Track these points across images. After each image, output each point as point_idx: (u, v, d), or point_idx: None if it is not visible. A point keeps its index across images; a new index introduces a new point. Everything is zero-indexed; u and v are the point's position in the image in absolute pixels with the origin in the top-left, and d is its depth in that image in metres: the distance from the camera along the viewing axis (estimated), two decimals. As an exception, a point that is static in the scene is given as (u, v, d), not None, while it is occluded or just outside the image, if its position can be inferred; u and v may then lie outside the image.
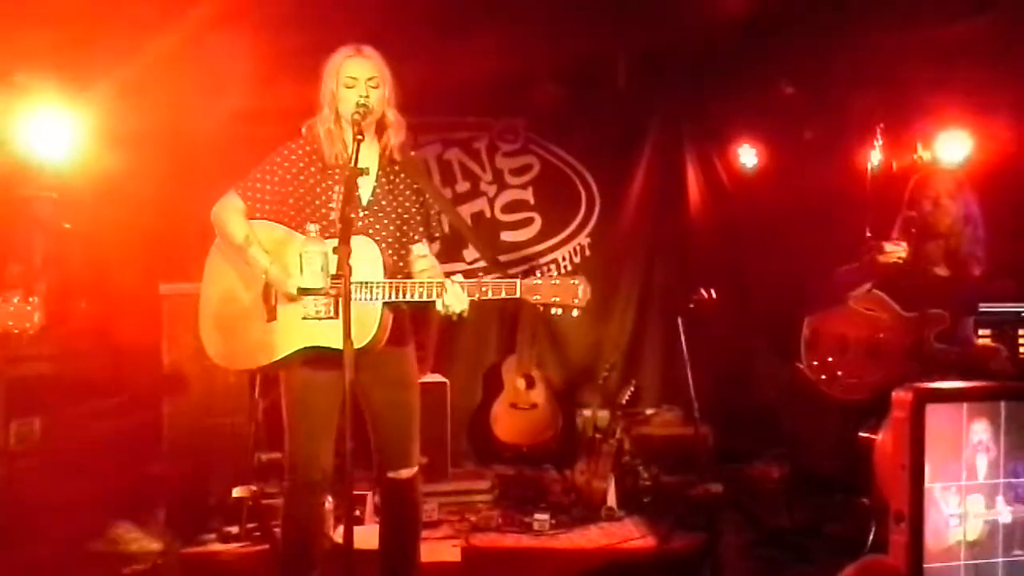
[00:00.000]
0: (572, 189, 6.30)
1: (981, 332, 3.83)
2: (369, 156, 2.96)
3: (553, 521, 4.61)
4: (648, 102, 6.20)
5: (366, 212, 2.97)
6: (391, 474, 3.09)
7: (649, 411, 5.69)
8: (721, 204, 6.29)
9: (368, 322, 2.76)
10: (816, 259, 4.04)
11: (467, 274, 4.29)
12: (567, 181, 6.30)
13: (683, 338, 4.76)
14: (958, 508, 1.42)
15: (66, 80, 4.49)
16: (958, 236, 3.69)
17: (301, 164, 2.99)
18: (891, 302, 3.79)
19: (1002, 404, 1.45)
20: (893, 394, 1.43)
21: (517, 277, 2.77)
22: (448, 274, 2.97)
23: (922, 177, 3.87)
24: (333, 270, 2.63)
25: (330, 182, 2.96)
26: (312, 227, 2.74)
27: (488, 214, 6.21)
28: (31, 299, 3.07)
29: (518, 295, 2.72)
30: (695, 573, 4.02)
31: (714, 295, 4.92)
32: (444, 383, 5.31)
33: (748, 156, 6.01)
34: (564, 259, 6.26)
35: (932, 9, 4.49)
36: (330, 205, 2.93)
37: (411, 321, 3.10)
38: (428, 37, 4.71)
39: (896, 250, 3.63)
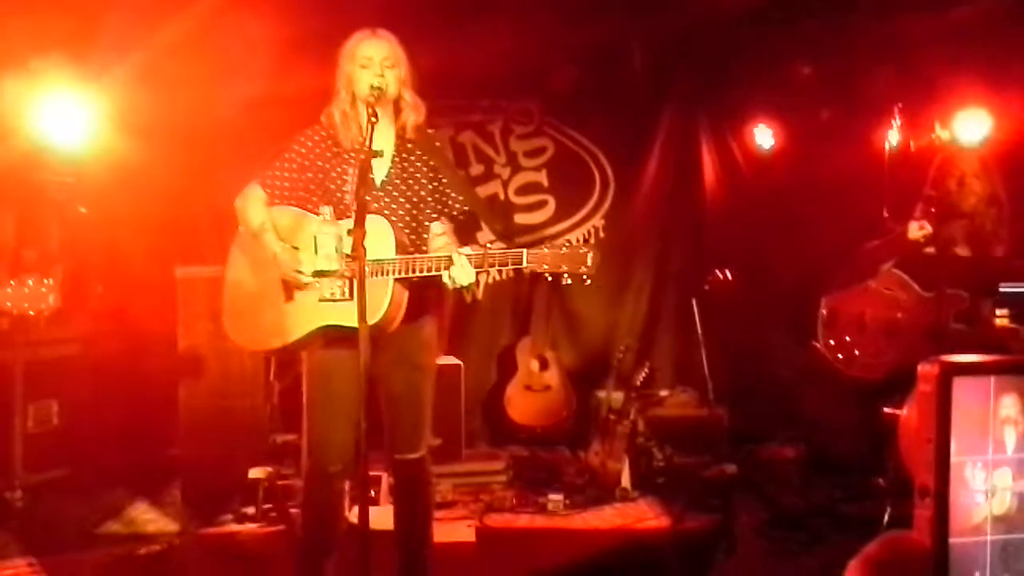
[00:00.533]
0: (586, 171, 6.28)
1: (999, 312, 3.79)
2: (385, 137, 2.95)
3: (567, 502, 4.63)
4: (663, 84, 6.15)
5: (380, 193, 2.97)
6: (399, 456, 3.10)
7: (663, 392, 5.68)
8: (736, 185, 6.25)
9: (379, 298, 2.74)
10: (832, 240, 4.03)
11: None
12: (581, 163, 6.27)
13: (698, 319, 4.76)
14: (985, 484, 1.41)
15: (81, 65, 4.50)
16: (982, 216, 3.66)
17: (318, 149, 3.00)
18: (911, 282, 3.77)
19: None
20: (919, 367, 1.42)
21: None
22: None
23: (947, 157, 3.83)
24: (347, 252, 2.63)
25: (345, 165, 2.96)
26: (326, 209, 2.75)
27: (502, 197, 6.20)
28: (46, 281, 3.10)
29: (524, 264, 2.67)
30: (709, 553, 4.02)
31: (729, 276, 4.92)
32: (458, 365, 5.32)
33: (764, 137, 5.96)
34: (578, 241, 6.24)
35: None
36: (345, 188, 2.93)
37: (434, 299, 3.09)
38: (443, 19, 4.70)
39: (924, 230, 3.61)
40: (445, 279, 2.76)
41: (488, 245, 2.78)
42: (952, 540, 1.40)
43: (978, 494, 1.42)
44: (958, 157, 3.82)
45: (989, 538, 1.43)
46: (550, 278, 2.71)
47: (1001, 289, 3.72)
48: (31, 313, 3.09)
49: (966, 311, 3.65)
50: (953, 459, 1.39)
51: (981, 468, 1.42)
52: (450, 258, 2.75)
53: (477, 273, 2.74)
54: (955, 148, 4.41)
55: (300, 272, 2.87)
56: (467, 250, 2.78)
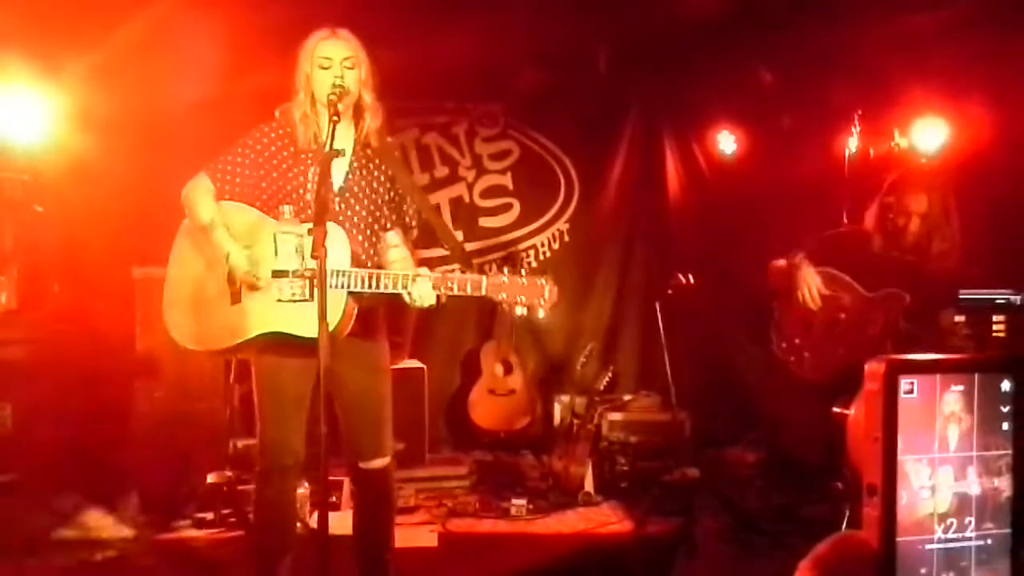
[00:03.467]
0: (551, 175, 6.29)
1: (956, 319, 3.86)
2: (344, 140, 2.92)
3: (530, 506, 4.62)
4: (627, 88, 6.18)
5: (338, 197, 2.93)
6: (363, 464, 3.06)
7: (627, 397, 5.69)
8: (699, 190, 6.30)
9: (332, 310, 2.68)
10: (793, 245, 4.05)
11: (443, 261, 4.28)
12: (546, 167, 6.28)
13: (661, 324, 4.76)
14: (929, 480, 1.42)
15: (38, 62, 4.42)
16: (935, 229, 3.72)
17: (274, 147, 2.95)
18: (853, 283, 3.83)
19: (976, 377, 1.45)
20: (866, 366, 1.43)
21: (485, 273, 2.71)
22: (424, 261, 2.95)
23: (902, 174, 3.89)
24: (308, 253, 2.60)
25: (303, 166, 2.92)
26: (286, 208, 2.71)
27: (467, 199, 6.19)
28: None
29: (483, 293, 2.67)
30: (671, 557, 4.03)
31: (692, 281, 4.92)
32: (422, 368, 5.30)
33: (727, 142, 6.01)
34: (543, 245, 6.26)
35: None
36: (304, 188, 2.90)
37: (385, 311, 3.07)
38: (407, 21, 4.67)
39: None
40: (405, 298, 2.74)
41: (445, 268, 2.77)
42: (899, 539, 1.41)
43: (923, 490, 1.43)
44: (912, 173, 3.88)
45: (936, 536, 1.45)
46: (507, 308, 2.71)
47: (960, 296, 3.77)
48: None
49: (912, 310, 3.72)
50: (899, 456, 1.40)
51: (926, 464, 1.43)
52: (411, 276, 2.73)
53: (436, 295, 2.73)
54: (910, 163, 4.48)
55: (255, 276, 2.82)
56: (426, 271, 2.77)
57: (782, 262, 3.92)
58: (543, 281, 2.67)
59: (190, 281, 2.96)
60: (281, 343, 2.82)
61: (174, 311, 2.98)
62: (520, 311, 2.72)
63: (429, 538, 4.25)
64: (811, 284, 3.81)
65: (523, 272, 2.70)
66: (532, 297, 2.66)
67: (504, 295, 2.67)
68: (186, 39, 4.53)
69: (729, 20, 4.96)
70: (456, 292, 2.72)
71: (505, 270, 2.71)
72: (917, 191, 3.73)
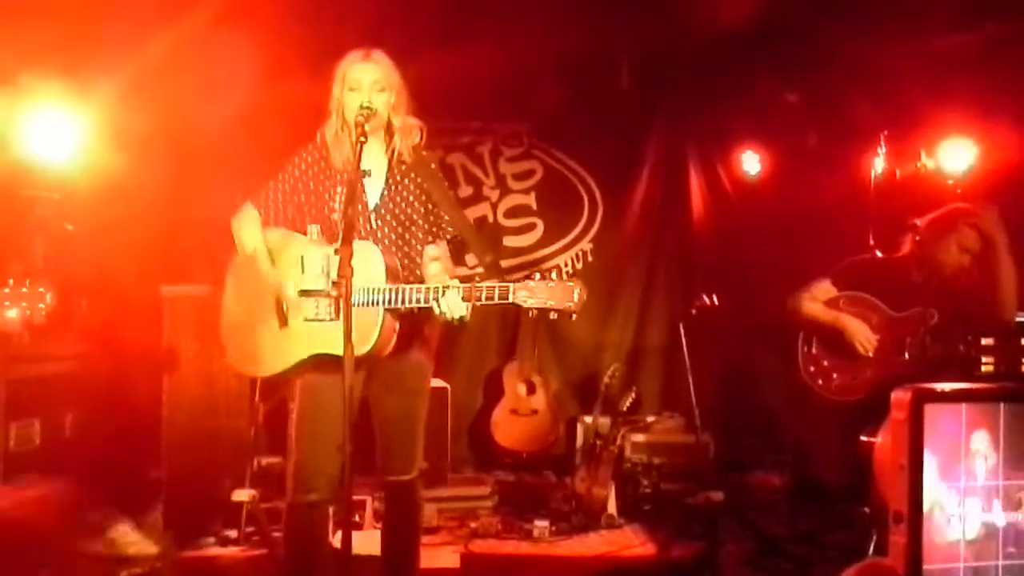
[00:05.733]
0: (575, 194, 6.30)
1: (984, 340, 3.82)
2: (376, 160, 2.96)
3: (553, 528, 4.59)
4: (652, 108, 6.20)
5: (373, 215, 2.96)
6: (391, 477, 3.08)
7: (650, 418, 5.67)
8: (724, 210, 6.29)
9: (369, 328, 2.73)
10: (819, 266, 4.03)
11: (468, 279, 4.28)
12: (570, 186, 6.30)
13: (685, 345, 4.75)
14: (958, 508, 1.41)
15: (69, 81, 4.48)
16: (985, 275, 3.70)
17: (311, 171, 3.01)
18: (879, 303, 3.81)
19: (1002, 407, 1.44)
20: (892, 395, 1.42)
21: (513, 282, 2.70)
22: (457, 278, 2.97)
23: (937, 218, 3.84)
24: (335, 272, 2.62)
25: (336, 186, 2.95)
26: (313, 228, 2.74)
27: (491, 219, 6.21)
28: (42, 294, 3.09)
29: (511, 300, 2.65)
30: (695, 581, 4.00)
31: (716, 302, 4.91)
32: (445, 388, 5.30)
33: (751, 163, 6.00)
34: (566, 264, 6.25)
35: (934, 18, 4.49)
36: (334, 208, 2.93)
37: (426, 326, 3.08)
38: (432, 41, 4.71)
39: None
40: (436, 311, 2.74)
41: (476, 278, 2.76)
42: (926, 567, 1.40)
43: (952, 518, 1.42)
44: (951, 217, 3.82)
45: (962, 565, 1.43)
46: (535, 313, 2.67)
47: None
48: (28, 312, 3.05)
49: (939, 329, 3.69)
50: (927, 483, 1.39)
51: (955, 494, 1.42)
52: (440, 289, 2.73)
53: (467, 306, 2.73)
54: (948, 196, 4.43)
55: (287, 292, 2.86)
56: (455, 282, 2.77)
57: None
58: (572, 283, 2.65)
59: (243, 309, 3.02)
60: (330, 364, 2.82)
61: (231, 340, 3.05)
62: (552, 316, 2.67)
63: (451, 559, 4.24)
64: (861, 331, 3.79)
65: (552, 276, 2.68)
66: (562, 300, 2.63)
67: (534, 301, 2.64)
68: (217, 57, 4.58)
69: (753, 40, 4.98)
70: (485, 301, 2.70)
71: (536, 276, 2.68)
72: (955, 239, 3.71)
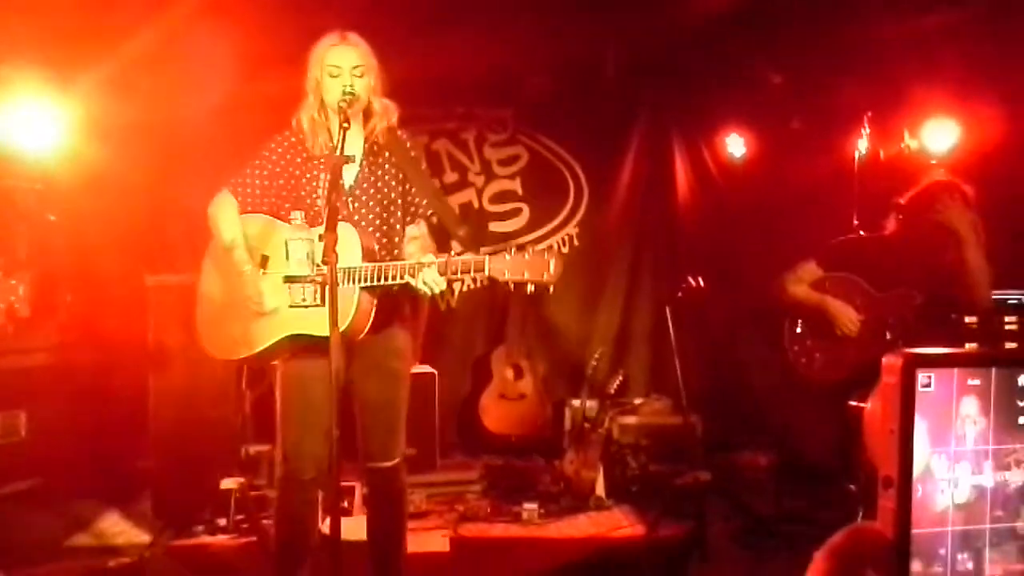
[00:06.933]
0: (560, 179, 6.29)
1: (968, 319, 3.86)
2: (354, 143, 2.94)
3: (542, 511, 4.61)
4: (636, 92, 6.19)
5: (349, 197, 2.96)
6: (373, 464, 3.09)
7: (638, 400, 5.69)
8: (709, 193, 6.29)
9: (345, 307, 2.71)
10: (804, 247, 4.05)
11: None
12: (555, 171, 6.29)
13: (671, 327, 4.77)
14: (948, 473, 1.43)
15: (51, 72, 4.45)
16: (965, 247, 3.71)
17: (288, 156, 3.00)
18: (863, 283, 3.83)
19: (992, 371, 1.46)
20: (883, 359, 1.44)
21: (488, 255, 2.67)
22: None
23: (920, 192, 3.85)
24: (319, 258, 2.62)
25: (315, 171, 2.95)
26: (297, 215, 2.74)
27: (476, 205, 6.20)
28: (14, 285, 3.07)
29: (486, 272, 2.63)
30: (683, 561, 4.03)
31: (702, 284, 4.93)
32: (432, 374, 5.31)
33: (736, 145, 6.00)
34: (553, 248, 6.25)
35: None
36: (315, 194, 2.93)
37: (406, 307, 3.08)
38: (416, 27, 4.69)
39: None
40: (416, 286, 2.73)
41: (453, 253, 2.76)
42: (915, 531, 1.42)
43: (941, 482, 1.44)
44: (933, 189, 3.85)
45: (950, 528, 1.45)
46: (512, 287, 2.65)
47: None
48: (1, 305, 3.05)
49: (924, 309, 3.72)
50: (917, 449, 1.41)
51: (945, 459, 1.44)
52: (416, 265, 2.73)
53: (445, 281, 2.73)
54: (929, 173, 4.45)
55: (257, 302, 2.87)
56: (430, 257, 2.76)
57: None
58: (547, 255, 2.62)
59: (218, 295, 3.03)
60: (307, 346, 2.84)
61: (207, 326, 3.05)
62: (529, 288, 2.64)
63: (441, 543, 4.25)
64: (844, 314, 3.81)
65: (529, 249, 2.66)
66: (537, 272, 2.60)
67: (508, 273, 2.62)
68: (197, 48, 4.56)
69: (737, 23, 4.97)
70: (461, 274, 2.70)
71: (511, 249, 2.66)
72: (937, 208, 3.72)
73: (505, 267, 2.63)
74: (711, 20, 4.96)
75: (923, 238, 3.74)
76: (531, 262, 2.62)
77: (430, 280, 2.70)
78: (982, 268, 3.63)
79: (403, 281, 2.74)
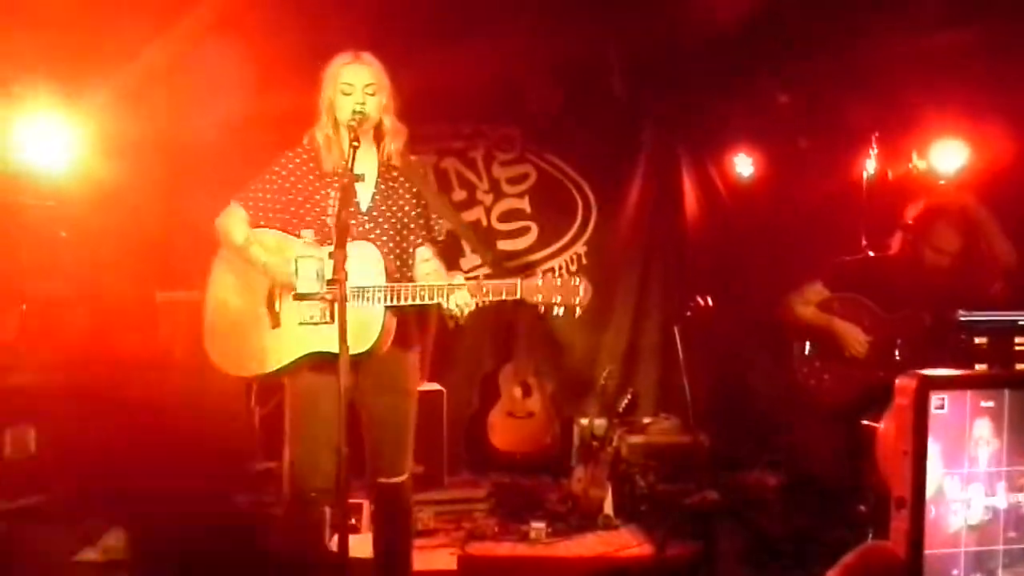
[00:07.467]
0: (569, 198, 6.31)
1: (977, 340, 3.85)
2: (368, 162, 2.96)
3: (550, 529, 4.59)
4: (644, 111, 6.21)
5: (366, 218, 2.97)
6: (381, 479, 3.09)
7: (646, 419, 5.69)
8: (717, 212, 6.30)
9: (371, 326, 2.76)
10: (812, 267, 4.05)
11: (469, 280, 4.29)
12: (563, 190, 6.31)
13: (680, 346, 4.77)
14: (960, 494, 1.43)
15: (63, 89, 4.49)
16: (977, 266, 3.73)
17: (299, 172, 3.01)
18: (871, 304, 3.83)
19: (1005, 393, 1.46)
20: (897, 381, 1.44)
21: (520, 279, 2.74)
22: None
23: (924, 210, 3.86)
24: (329, 275, 2.63)
25: (327, 189, 2.96)
26: (307, 232, 2.75)
27: (485, 223, 6.22)
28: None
29: (519, 296, 2.71)
30: (692, 581, 4.01)
31: (710, 303, 4.93)
32: (440, 391, 5.30)
33: (744, 165, 6.02)
34: (561, 268, 6.26)
35: (926, 18, 4.51)
36: (327, 212, 2.94)
37: (414, 324, 3.09)
38: (424, 45, 4.72)
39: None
40: (446, 307, 2.76)
41: (480, 275, 2.80)
42: (927, 552, 1.42)
43: (954, 504, 1.44)
44: (938, 208, 3.85)
45: (963, 549, 1.45)
46: (543, 309, 2.73)
47: (976, 317, 3.76)
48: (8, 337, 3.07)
49: (931, 328, 3.71)
50: (931, 471, 1.41)
51: (958, 480, 1.44)
52: (451, 286, 2.76)
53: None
54: (936, 193, 4.46)
55: (283, 282, 2.85)
56: (461, 279, 2.81)
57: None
58: (577, 281, 2.74)
59: (229, 308, 3.00)
60: (319, 363, 2.84)
61: (215, 339, 3.01)
62: (557, 311, 2.74)
63: (448, 561, 4.24)
64: (853, 335, 3.81)
65: (558, 273, 2.73)
66: (568, 297, 2.71)
67: (540, 296, 2.71)
68: (208, 64, 4.59)
69: (745, 42, 4.99)
70: (492, 298, 2.75)
71: (539, 272, 2.75)
72: (945, 228, 3.73)
73: (538, 291, 2.71)
74: (719, 39, 4.98)
75: (923, 259, 3.74)
76: (563, 287, 2.72)
77: (461, 302, 2.74)
78: (1001, 236, 3.64)
79: (433, 302, 2.76)
